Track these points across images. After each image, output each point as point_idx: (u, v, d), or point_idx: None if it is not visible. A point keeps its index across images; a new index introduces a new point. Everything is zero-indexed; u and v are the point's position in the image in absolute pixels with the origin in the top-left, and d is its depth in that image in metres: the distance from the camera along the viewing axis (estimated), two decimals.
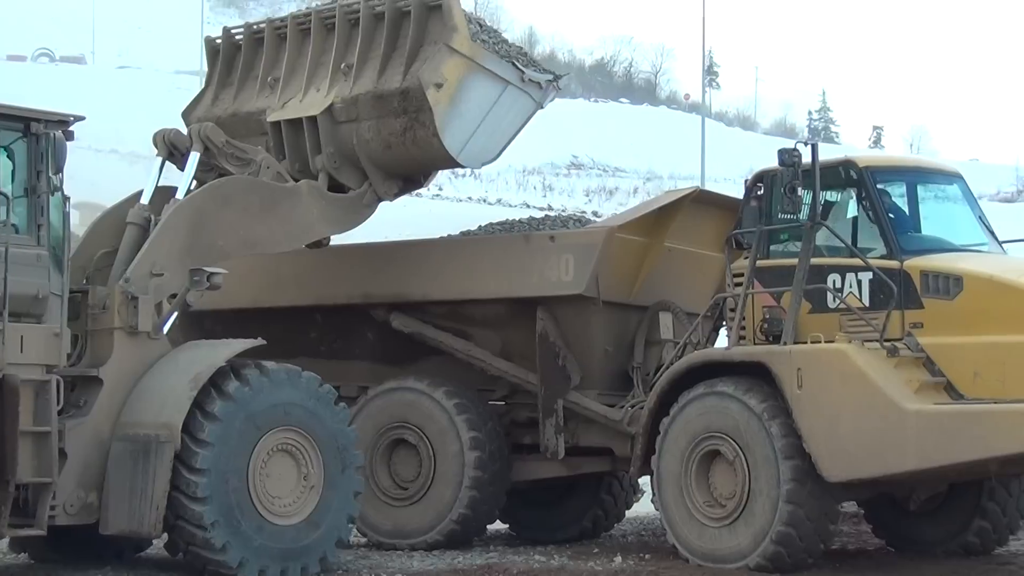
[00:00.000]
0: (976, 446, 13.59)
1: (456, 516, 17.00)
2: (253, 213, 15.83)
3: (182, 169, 16.14)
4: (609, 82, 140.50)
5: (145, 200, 15.81)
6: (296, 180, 16.81)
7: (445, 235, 18.83)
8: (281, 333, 15.71)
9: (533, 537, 18.18)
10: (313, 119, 17.08)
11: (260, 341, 14.78)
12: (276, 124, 17.37)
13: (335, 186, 17.08)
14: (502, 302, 17.28)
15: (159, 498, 13.69)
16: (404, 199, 18.52)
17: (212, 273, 15.17)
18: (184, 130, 16.88)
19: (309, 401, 14.79)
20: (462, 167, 17.08)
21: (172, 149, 16.20)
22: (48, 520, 13.52)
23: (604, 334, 17.06)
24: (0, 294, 13.10)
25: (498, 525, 18.53)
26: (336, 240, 18.20)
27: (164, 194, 15.83)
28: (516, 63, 17.28)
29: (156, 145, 16.25)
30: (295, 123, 17.26)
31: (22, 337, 13.35)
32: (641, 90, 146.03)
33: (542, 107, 17.64)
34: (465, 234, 18.61)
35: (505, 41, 17.65)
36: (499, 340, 17.66)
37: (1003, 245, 15.86)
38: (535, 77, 17.44)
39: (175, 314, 15.25)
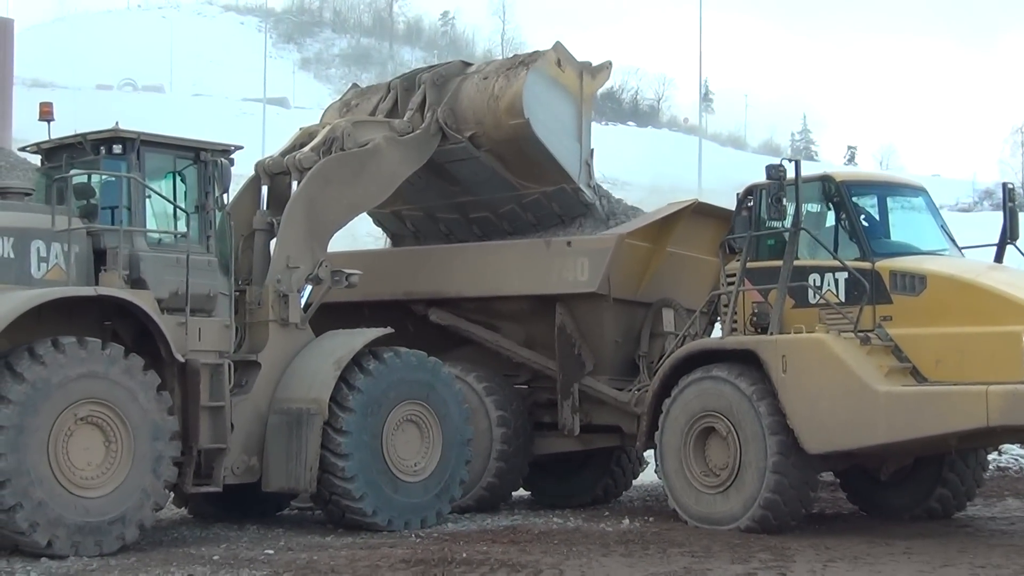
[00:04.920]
0: (937, 422, 13.57)
1: (485, 484, 17.03)
2: (349, 181, 16.18)
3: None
4: (618, 108, 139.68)
5: (264, 207, 16.24)
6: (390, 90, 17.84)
7: None
8: (334, 325, 15.73)
9: (552, 503, 18.19)
10: (450, 61, 18.11)
11: (389, 330, 15.44)
12: (419, 68, 18.46)
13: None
14: (526, 299, 17.29)
15: (312, 460, 14.48)
16: None
17: (350, 274, 15.78)
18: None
19: (433, 380, 15.46)
20: (519, 114, 16.87)
21: (273, 175, 16.36)
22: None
23: (614, 327, 17.07)
24: (184, 293, 13.85)
25: (521, 492, 18.57)
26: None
27: (278, 202, 16.19)
28: (590, 165, 17.89)
29: (258, 172, 16.43)
30: (440, 64, 18.20)
31: (200, 329, 14.08)
32: (646, 115, 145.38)
33: (578, 188, 17.60)
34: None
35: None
36: (523, 332, 17.67)
37: (962, 250, 15.82)
38: (593, 178, 18.00)
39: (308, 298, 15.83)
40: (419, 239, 19.08)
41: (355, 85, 19.80)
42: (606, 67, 18.09)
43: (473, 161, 17.57)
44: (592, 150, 18.03)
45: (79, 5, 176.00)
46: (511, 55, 18.41)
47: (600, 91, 18.13)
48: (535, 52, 17.65)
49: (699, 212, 17.45)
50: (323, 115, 19.30)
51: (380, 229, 19.74)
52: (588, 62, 17.93)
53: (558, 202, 17.72)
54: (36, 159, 15.21)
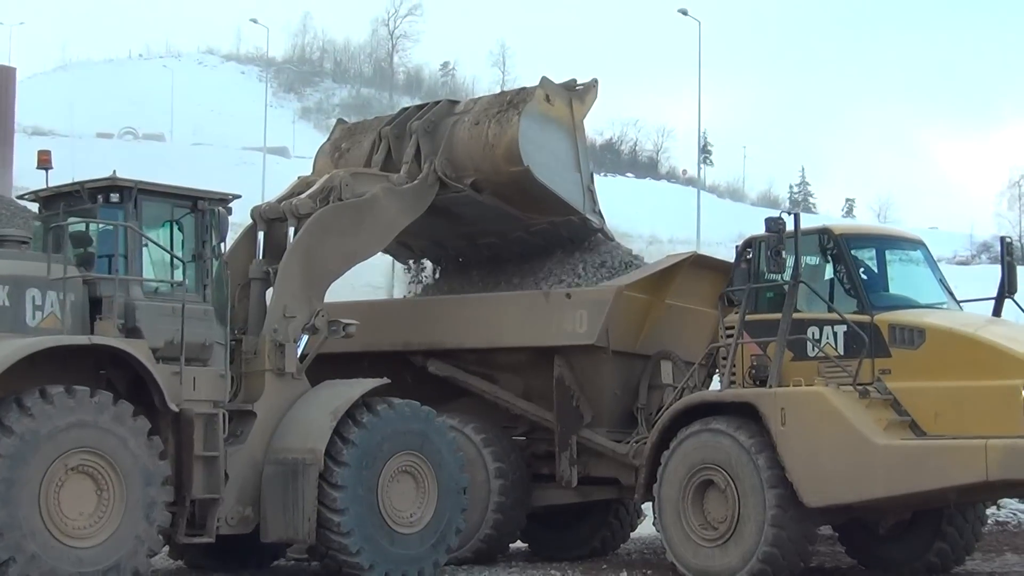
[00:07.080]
0: (937, 476, 13.53)
1: (483, 536, 16.94)
2: (347, 231, 16.13)
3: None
4: (617, 159, 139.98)
5: (260, 256, 16.18)
6: (381, 139, 17.68)
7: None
8: (333, 376, 15.67)
9: (550, 555, 18.08)
10: (438, 101, 17.92)
11: (385, 380, 15.28)
12: (406, 108, 18.35)
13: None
14: (525, 350, 17.26)
15: (310, 511, 14.34)
16: None
17: (347, 324, 15.65)
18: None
19: (426, 430, 15.33)
20: (518, 162, 16.80)
21: (270, 221, 16.33)
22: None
23: (613, 379, 17.02)
24: (179, 342, 13.76)
25: (519, 544, 18.44)
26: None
27: (274, 249, 16.14)
28: (592, 191, 17.87)
29: (254, 219, 16.38)
30: (424, 106, 18.08)
31: (194, 378, 13.98)
32: (645, 166, 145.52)
33: (584, 217, 17.68)
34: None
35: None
36: (521, 383, 17.63)
37: (960, 303, 15.81)
38: (597, 203, 17.99)
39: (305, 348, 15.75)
40: (430, 259, 19.18)
41: (341, 121, 19.74)
42: (592, 86, 18.00)
43: (477, 203, 17.58)
44: (592, 173, 18.05)
45: (81, 54, 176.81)
46: (498, 92, 18.34)
47: (591, 110, 17.94)
48: (522, 90, 17.61)
49: (698, 264, 17.47)
50: (315, 158, 19.32)
51: (380, 276, 19.75)
52: (573, 81, 17.91)
53: (566, 228, 17.85)
54: (35, 207, 15.22)
